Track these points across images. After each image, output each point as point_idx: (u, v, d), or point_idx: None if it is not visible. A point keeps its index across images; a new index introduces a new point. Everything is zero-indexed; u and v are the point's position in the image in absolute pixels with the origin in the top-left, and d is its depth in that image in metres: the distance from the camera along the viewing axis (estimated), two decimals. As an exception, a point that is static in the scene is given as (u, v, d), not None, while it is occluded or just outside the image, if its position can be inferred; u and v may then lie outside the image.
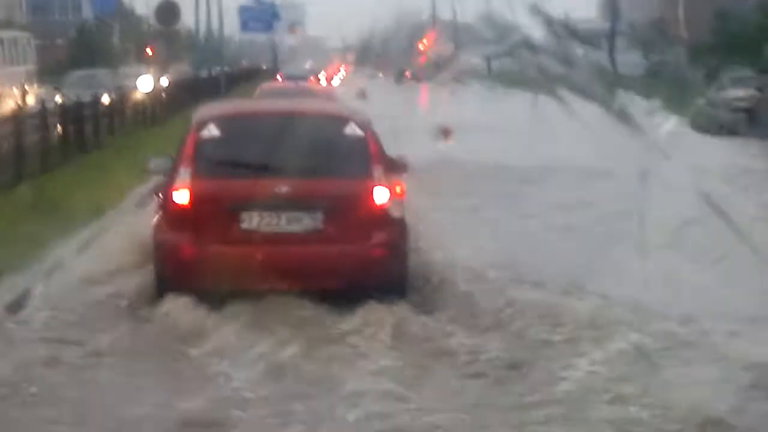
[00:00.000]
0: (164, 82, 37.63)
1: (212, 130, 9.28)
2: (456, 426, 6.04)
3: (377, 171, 8.91)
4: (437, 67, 61.74)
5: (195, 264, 8.61)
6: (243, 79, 46.38)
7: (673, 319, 7.74)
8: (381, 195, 8.83)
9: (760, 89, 24.18)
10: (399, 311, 8.01)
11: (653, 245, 10.45)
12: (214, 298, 8.19)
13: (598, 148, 18.04)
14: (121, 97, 27.07)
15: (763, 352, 7.07)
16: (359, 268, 8.54)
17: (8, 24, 51.04)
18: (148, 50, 42.35)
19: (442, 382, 6.85)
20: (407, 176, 9.71)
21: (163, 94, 33.48)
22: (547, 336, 7.65)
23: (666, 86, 37.30)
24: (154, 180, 11.01)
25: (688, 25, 50.50)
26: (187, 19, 45.21)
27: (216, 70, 43.65)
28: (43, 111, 18.23)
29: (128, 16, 62.19)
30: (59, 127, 17.34)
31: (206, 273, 8.44)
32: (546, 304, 8.33)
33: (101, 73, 36.01)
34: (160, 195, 9.43)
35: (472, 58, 64.22)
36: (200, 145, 9.21)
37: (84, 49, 50.68)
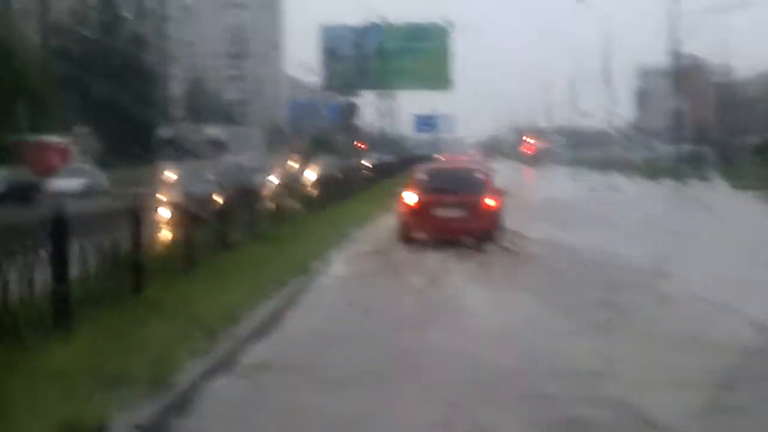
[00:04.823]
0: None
1: (421, 174, 15.42)
2: (500, 274, 11.72)
3: (488, 192, 14.60)
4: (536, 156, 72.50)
5: (415, 228, 14.31)
6: (416, 160, 53.34)
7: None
8: (490, 202, 14.36)
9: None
10: (497, 250, 13.56)
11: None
12: (423, 241, 13.88)
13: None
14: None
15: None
16: (481, 232, 13.92)
17: (275, 127, 64.65)
18: (361, 145, 48.55)
19: (515, 267, 12.40)
20: (506, 196, 15.36)
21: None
22: (557, 255, 13.35)
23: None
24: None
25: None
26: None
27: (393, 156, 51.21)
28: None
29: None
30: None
31: (420, 232, 14.17)
32: (553, 244, 14.20)
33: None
34: (402, 202, 14.69)
35: (558, 151, 78.31)
36: (417, 180, 15.11)
37: (321, 144, 59.93)
